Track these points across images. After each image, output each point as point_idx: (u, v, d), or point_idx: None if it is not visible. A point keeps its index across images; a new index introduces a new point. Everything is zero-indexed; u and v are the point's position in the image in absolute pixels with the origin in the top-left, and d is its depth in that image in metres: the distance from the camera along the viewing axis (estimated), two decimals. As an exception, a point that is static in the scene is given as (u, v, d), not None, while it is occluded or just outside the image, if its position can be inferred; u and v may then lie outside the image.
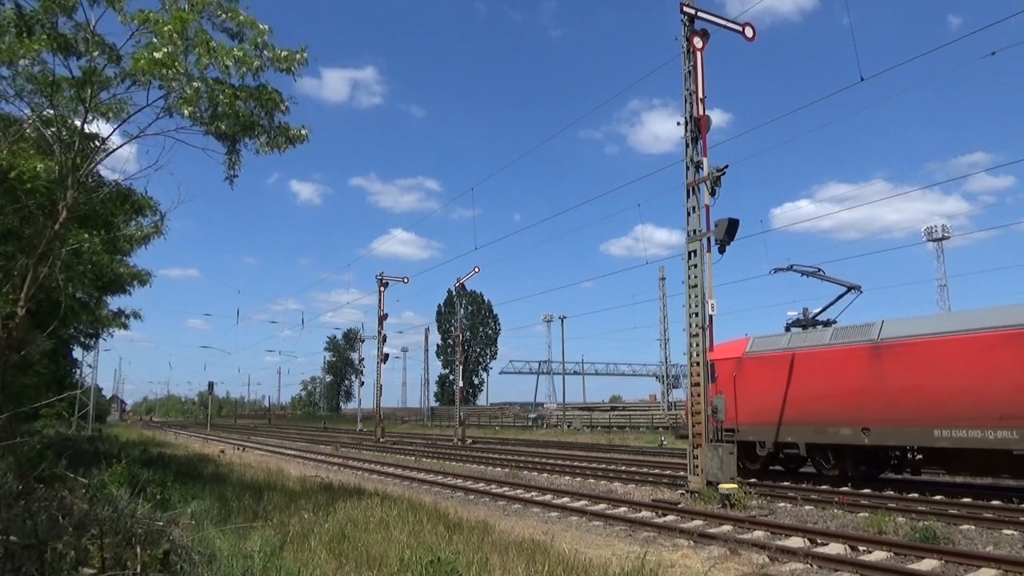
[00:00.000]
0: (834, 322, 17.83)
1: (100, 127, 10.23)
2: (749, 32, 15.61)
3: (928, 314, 14.62)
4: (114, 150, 10.43)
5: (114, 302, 20.21)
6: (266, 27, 8.93)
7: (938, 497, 13.80)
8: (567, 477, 19.46)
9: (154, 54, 8.09)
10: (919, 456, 14.87)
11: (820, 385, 16.02)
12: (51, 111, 9.41)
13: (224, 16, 8.79)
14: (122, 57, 8.88)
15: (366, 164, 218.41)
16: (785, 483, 16.14)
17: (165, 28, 8.22)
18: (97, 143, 10.06)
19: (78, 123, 9.35)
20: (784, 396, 16.82)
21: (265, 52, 8.98)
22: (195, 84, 8.69)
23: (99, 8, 8.72)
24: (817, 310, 18.54)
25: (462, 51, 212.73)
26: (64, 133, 9.48)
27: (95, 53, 8.79)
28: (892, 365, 14.79)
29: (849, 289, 18.07)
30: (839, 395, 15.53)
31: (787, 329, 18.63)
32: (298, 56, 9.19)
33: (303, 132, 9.93)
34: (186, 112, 8.81)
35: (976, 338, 13.53)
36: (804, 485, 15.86)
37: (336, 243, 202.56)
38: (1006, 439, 12.83)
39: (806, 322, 18.39)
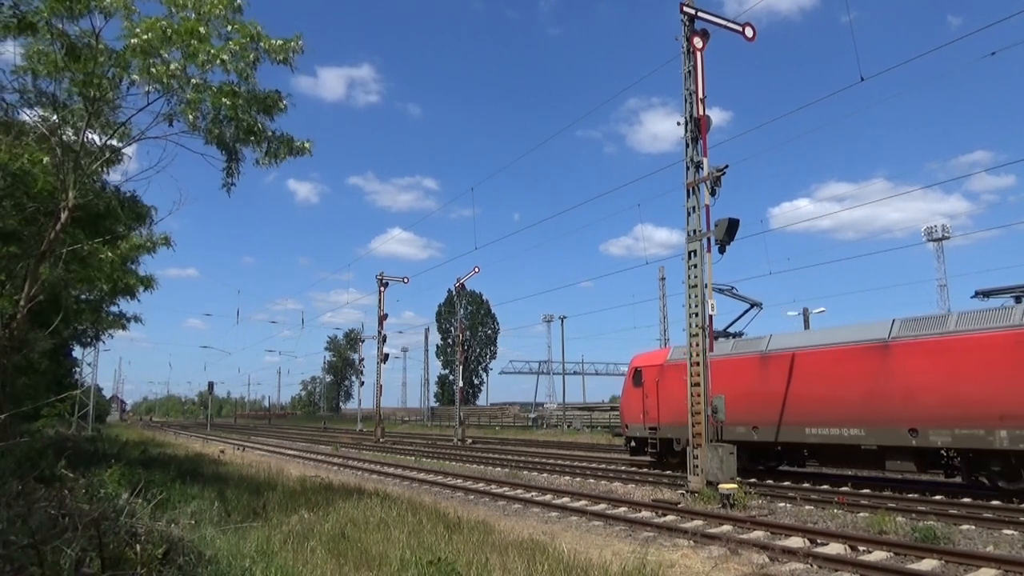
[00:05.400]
0: (741, 334, 19.95)
1: (102, 129, 10.22)
2: (749, 32, 15.63)
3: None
4: (116, 151, 10.43)
5: (117, 305, 20.18)
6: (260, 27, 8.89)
7: (938, 497, 13.84)
8: (567, 477, 19.48)
9: (142, 36, 7.98)
10: (804, 451, 17.30)
11: (721, 389, 17.22)
12: (53, 113, 9.40)
13: (230, 28, 8.70)
14: (129, 64, 8.84)
15: (363, 163, 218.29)
16: (785, 483, 16.27)
17: (157, 26, 8.16)
18: (98, 145, 10.05)
19: (80, 125, 9.33)
20: None
21: (261, 44, 8.83)
22: (193, 81, 8.63)
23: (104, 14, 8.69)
24: (728, 323, 20.34)
25: (460, 49, 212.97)
26: (66, 135, 9.47)
27: (100, 59, 8.75)
28: (775, 373, 17.19)
29: (752, 306, 20.11)
30: (736, 398, 16.88)
31: None
32: (293, 44, 8.96)
33: (306, 145, 9.78)
34: (190, 117, 8.75)
35: (834, 351, 16.09)
36: (804, 485, 15.94)
37: (335, 243, 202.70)
38: (856, 436, 15.33)
39: (718, 334, 19.67)
